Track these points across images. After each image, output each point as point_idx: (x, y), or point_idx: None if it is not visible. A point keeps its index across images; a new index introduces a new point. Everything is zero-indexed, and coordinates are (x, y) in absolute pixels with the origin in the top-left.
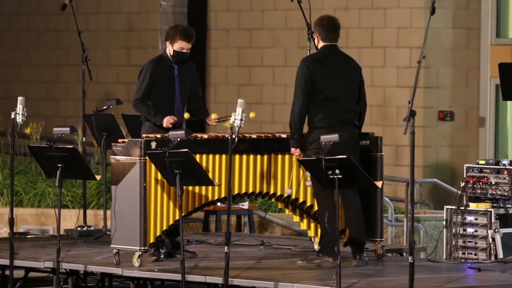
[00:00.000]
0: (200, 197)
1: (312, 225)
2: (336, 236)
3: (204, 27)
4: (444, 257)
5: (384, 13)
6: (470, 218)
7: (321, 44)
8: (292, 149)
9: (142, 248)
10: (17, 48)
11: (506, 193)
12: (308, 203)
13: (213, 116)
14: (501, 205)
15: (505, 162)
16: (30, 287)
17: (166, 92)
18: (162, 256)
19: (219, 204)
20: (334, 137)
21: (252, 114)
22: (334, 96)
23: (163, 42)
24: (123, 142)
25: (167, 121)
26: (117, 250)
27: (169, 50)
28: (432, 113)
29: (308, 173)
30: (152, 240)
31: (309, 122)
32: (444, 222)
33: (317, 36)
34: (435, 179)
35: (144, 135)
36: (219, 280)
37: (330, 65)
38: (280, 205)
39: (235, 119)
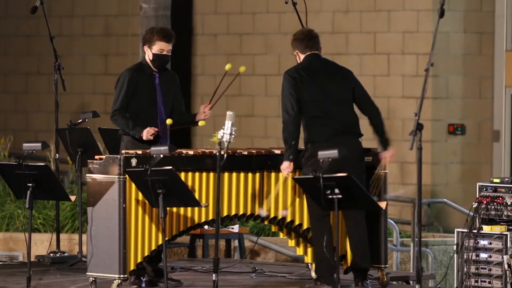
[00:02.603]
0: (186, 220)
1: (309, 250)
2: (335, 262)
3: (190, 32)
4: (455, 286)
5: (388, 16)
6: (483, 243)
7: (302, 57)
8: (285, 163)
9: (122, 276)
10: None
11: None
12: (305, 226)
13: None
14: None
15: None
16: None
17: (147, 103)
18: (143, 285)
19: (206, 227)
20: (333, 153)
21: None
22: (328, 106)
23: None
24: (100, 159)
25: (147, 132)
26: (93, 279)
27: (148, 55)
28: (441, 126)
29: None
30: (132, 267)
31: (305, 137)
32: (454, 247)
33: (297, 52)
34: (445, 199)
35: (123, 151)
36: None
37: (317, 73)
38: (273, 228)
39: (224, 133)
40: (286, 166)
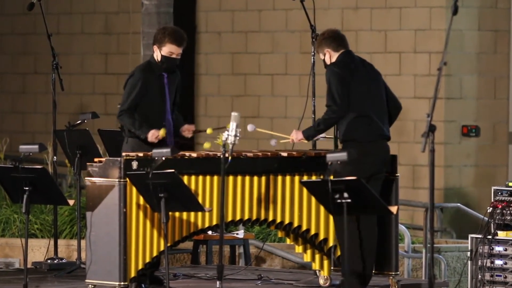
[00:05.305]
0: (189, 225)
1: (317, 256)
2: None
3: (193, 30)
4: None
5: (399, 13)
6: (498, 249)
7: (335, 55)
8: (300, 134)
9: (122, 283)
10: None
11: None
12: (313, 232)
13: (209, 131)
14: None
15: None
16: None
17: (157, 103)
18: None
19: (210, 232)
20: (342, 155)
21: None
22: (374, 105)
23: (145, 46)
24: (100, 161)
25: (153, 134)
26: (93, 286)
27: (157, 55)
28: (455, 128)
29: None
30: (133, 274)
31: (345, 134)
32: (468, 253)
33: (328, 51)
34: (458, 204)
35: (124, 154)
36: None
37: (360, 71)
38: (280, 234)
39: (228, 135)
40: (300, 137)
